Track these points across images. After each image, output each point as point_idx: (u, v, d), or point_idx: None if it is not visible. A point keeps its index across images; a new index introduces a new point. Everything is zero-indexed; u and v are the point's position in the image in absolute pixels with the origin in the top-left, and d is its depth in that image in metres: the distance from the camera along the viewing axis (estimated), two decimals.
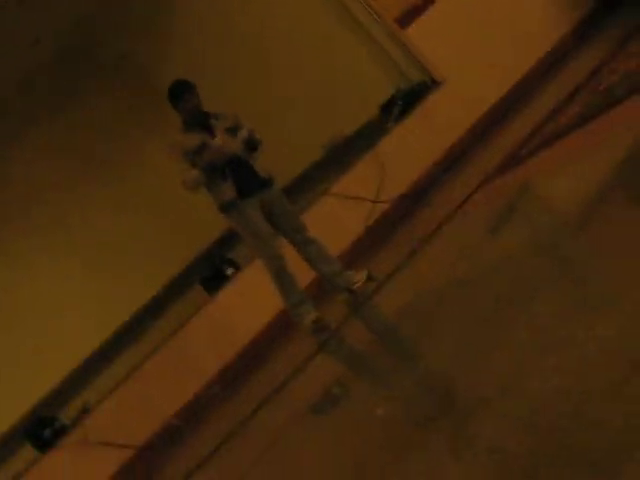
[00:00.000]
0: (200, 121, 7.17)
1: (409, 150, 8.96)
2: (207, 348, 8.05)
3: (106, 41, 11.89)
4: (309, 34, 9.85)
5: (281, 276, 7.20)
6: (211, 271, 9.15)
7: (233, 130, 7.14)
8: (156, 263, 11.45)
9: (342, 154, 9.94)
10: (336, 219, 8.64)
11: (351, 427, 5.03)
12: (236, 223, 7.13)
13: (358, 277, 7.36)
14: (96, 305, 11.33)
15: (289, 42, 10.10)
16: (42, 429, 7.92)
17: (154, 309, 11.37)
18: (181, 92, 7.10)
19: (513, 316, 4.64)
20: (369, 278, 7.34)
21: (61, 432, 7.85)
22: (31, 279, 11.27)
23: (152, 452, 7.68)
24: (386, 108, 9.32)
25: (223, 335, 8.14)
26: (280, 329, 8.10)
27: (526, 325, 4.38)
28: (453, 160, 8.94)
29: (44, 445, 7.85)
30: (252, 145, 7.08)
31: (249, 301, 8.28)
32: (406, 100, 9.24)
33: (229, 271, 9.01)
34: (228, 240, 9.56)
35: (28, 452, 8.08)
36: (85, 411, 8.23)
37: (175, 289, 11.26)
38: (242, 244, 7.97)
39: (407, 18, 9.40)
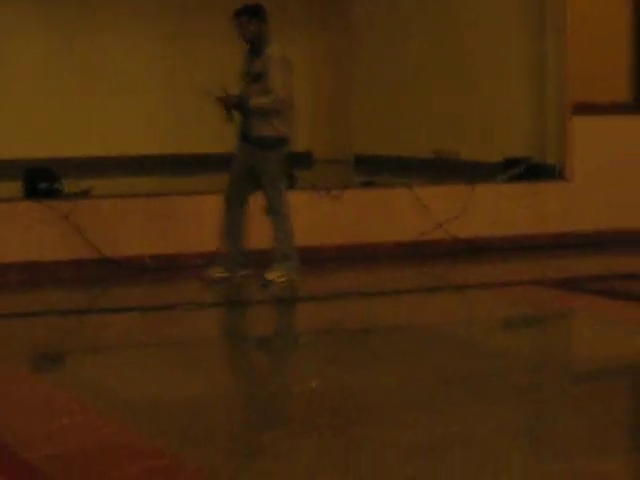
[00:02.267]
0: (252, 50, 7.34)
1: (498, 208, 8.99)
2: None
3: None
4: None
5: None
6: None
7: (257, 76, 7.26)
8: None
9: (447, 169, 10.13)
10: (392, 212, 8.74)
11: None
12: None
13: (270, 275, 7.36)
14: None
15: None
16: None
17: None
18: (238, 13, 7.24)
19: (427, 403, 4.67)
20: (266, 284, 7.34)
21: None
22: None
23: None
24: (508, 163, 9.26)
25: None
26: None
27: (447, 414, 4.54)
28: (524, 244, 8.90)
29: None
30: (239, 107, 7.28)
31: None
32: (529, 171, 9.18)
33: None
34: None
35: None
36: (84, 193, 8.20)
37: None
38: None
39: (584, 109, 9.25)
